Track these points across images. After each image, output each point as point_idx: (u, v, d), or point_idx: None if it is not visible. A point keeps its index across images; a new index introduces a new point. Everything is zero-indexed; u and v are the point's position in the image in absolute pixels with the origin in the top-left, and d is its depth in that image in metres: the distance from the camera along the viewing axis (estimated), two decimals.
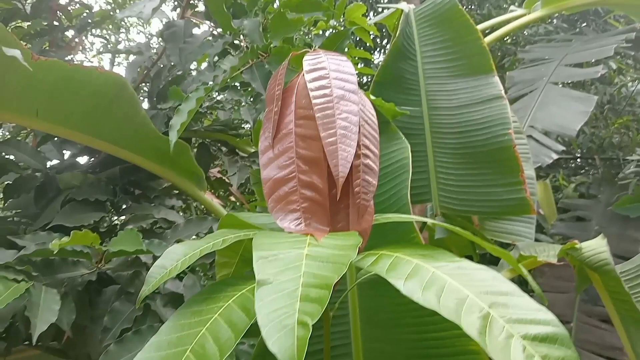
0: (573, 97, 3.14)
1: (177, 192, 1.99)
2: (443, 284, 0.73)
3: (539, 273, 2.96)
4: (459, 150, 1.68)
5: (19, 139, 2.09)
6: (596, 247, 1.40)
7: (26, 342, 1.64)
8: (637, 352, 1.34)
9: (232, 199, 2.95)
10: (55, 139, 1.89)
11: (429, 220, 1.05)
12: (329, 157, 0.83)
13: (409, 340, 1.23)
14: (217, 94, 2.54)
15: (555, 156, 2.82)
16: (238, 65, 1.69)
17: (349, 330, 1.31)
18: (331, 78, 0.91)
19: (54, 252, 1.26)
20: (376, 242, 0.95)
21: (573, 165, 4.88)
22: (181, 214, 2.14)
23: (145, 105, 2.01)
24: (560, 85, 3.32)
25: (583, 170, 4.68)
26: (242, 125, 2.24)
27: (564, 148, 3.18)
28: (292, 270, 0.69)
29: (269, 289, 0.66)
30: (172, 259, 0.85)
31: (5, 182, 1.80)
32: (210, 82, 1.59)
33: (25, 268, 1.23)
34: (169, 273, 0.83)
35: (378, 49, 5.74)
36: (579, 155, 4.74)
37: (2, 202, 2.38)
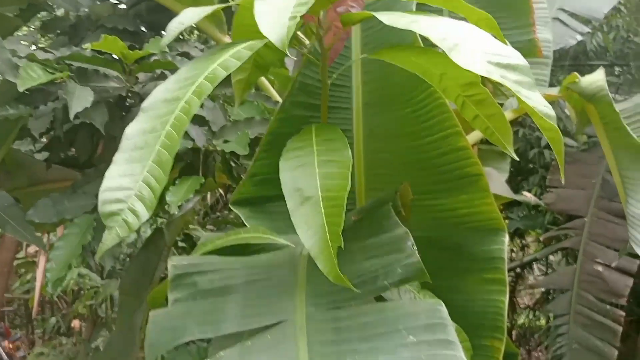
0: None
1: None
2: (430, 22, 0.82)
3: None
4: None
5: None
6: (594, 78, 1.46)
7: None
8: (622, 175, 1.43)
9: None
10: None
11: None
12: None
13: (405, 147, 1.35)
14: None
15: (579, 37, 2.77)
16: None
17: (353, 144, 1.43)
18: None
19: (87, 57, 1.39)
20: None
21: (608, 74, 4.73)
22: None
23: None
24: None
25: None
26: None
27: (589, 30, 3.12)
28: None
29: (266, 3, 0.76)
30: (189, 17, 0.96)
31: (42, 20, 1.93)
32: None
33: (61, 67, 1.37)
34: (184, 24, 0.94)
35: None
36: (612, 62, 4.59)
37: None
